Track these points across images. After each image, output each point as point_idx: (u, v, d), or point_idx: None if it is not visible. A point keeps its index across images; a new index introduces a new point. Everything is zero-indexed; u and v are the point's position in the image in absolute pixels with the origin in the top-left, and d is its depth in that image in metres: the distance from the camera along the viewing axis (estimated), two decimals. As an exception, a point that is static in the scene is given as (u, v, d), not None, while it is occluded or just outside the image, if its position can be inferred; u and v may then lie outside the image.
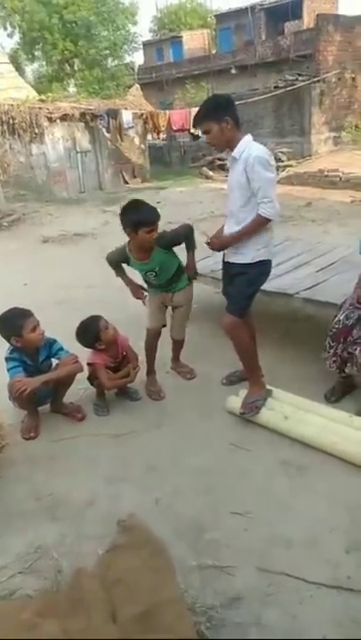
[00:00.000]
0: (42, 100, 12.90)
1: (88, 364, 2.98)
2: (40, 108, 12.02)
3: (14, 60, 21.91)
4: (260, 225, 2.64)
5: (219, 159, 15.10)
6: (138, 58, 30.53)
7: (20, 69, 22.45)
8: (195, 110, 12.00)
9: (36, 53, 26.84)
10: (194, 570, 1.89)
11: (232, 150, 2.65)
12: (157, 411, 2.99)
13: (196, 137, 13.43)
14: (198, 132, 12.90)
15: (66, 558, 1.98)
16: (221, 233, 2.85)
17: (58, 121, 12.17)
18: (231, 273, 2.85)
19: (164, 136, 15.59)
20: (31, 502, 2.30)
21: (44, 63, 27.84)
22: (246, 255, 2.73)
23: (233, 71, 23.22)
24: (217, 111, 2.58)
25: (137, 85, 17.88)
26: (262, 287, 3.38)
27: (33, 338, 2.75)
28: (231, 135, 2.61)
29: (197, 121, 2.71)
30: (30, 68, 29.27)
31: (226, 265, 2.94)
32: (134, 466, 2.52)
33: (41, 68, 28.88)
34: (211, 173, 14.51)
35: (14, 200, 10.85)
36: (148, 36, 33.37)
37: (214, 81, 22.60)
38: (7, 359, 2.76)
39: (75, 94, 19.13)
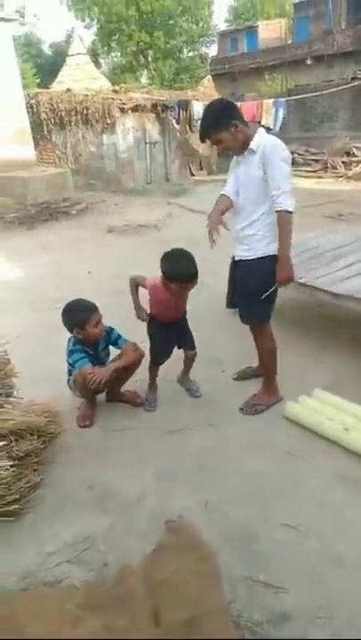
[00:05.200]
0: (115, 91, 13.05)
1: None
2: (113, 99, 12.17)
3: (92, 52, 22.37)
4: (290, 221, 2.51)
5: (289, 152, 14.66)
6: (212, 49, 30.27)
7: (96, 61, 22.92)
8: (266, 102, 11.72)
9: (112, 45, 27.24)
10: (241, 581, 1.82)
11: (245, 146, 2.56)
12: (213, 410, 2.92)
13: (267, 129, 13.10)
14: (269, 124, 12.62)
15: (113, 552, 1.97)
16: (219, 215, 2.62)
17: (129, 111, 12.28)
18: (240, 273, 2.76)
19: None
20: (83, 491, 2.31)
21: (118, 54, 28.23)
22: (256, 250, 2.65)
23: (308, 62, 22.43)
24: (223, 119, 2.49)
25: (209, 76, 17.69)
26: (330, 289, 3.25)
27: (94, 333, 2.79)
28: (244, 136, 2.54)
29: (206, 133, 2.55)
30: (105, 60, 29.81)
31: (235, 265, 2.84)
32: (186, 464, 2.47)
33: (115, 59, 29.31)
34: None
35: (83, 189, 11.10)
36: (223, 27, 32.96)
37: (289, 72, 21.96)
38: (72, 351, 2.80)
39: (147, 85, 19.23)
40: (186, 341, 3.01)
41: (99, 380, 2.69)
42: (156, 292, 2.77)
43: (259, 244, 2.63)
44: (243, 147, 2.57)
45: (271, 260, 2.62)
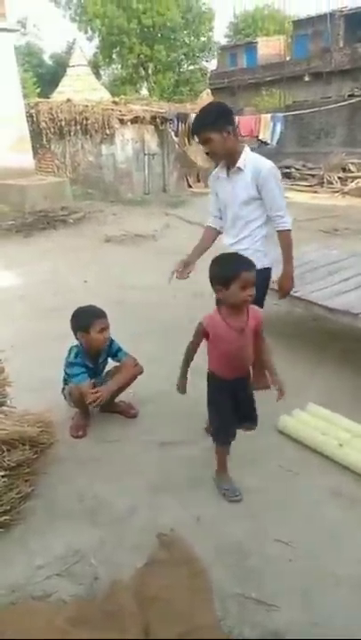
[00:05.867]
0: (115, 102, 13.16)
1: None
2: (112, 110, 12.27)
3: (93, 63, 22.60)
4: (290, 239, 2.68)
5: (284, 166, 14.80)
6: (211, 63, 30.70)
7: (97, 72, 23.14)
8: (264, 116, 11.79)
9: (113, 56, 27.55)
10: (233, 597, 1.80)
11: (231, 161, 2.64)
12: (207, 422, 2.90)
13: (264, 143, 13.22)
14: (267, 139, 12.74)
15: (103, 566, 1.95)
16: (189, 263, 2.80)
17: (129, 123, 12.37)
18: None
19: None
20: (74, 503, 2.29)
21: (119, 66, 28.55)
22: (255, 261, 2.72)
23: (306, 78, 22.74)
24: (219, 120, 2.54)
25: (208, 90, 17.90)
26: (325, 303, 3.26)
27: (97, 339, 2.78)
28: (232, 145, 2.59)
29: (198, 129, 2.62)
30: (106, 71, 30.12)
31: None
32: (178, 477, 2.45)
33: (116, 71, 29.63)
34: (276, 181, 14.22)
35: (81, 198, 11.12)
36: (223, 42, 33.39)
37: (287, 88, 22.24)
38: (72, 364, 2.80)
39: (147, 97, 19.42)
40: (250, 413, 2.33)
41: (99, 401, 2.70)
42: (214, 326, 2.16)
43: (252, 258, 2.65)
44: (227, 157, 2.63)
45: (264, 273, 2.69)
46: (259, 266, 2.67)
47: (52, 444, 2.56)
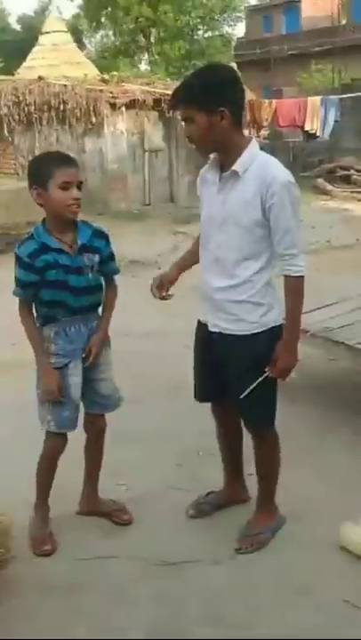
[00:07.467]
0: (104, 81, 13.66)
1: None
2: (101, 91, 12.71)
3: (73, 29, 23.72)
4: (301, 290, 2.54)
5: (341, 167, 15.15)
6: (238, 28, 32.09)
7: (79, 41, 24.19)
8: (313, 100, 12.16)
9: (102, 20, 28.86)
10: None
11: (226, 158, 2.51)
12: (236, 532, 2.86)
13: (311, 136, 13.61)
14: (315, 131, 13.11)
15: None
16: (167, 279, 2.98)
17: (123, 108, 12.79)
18: (225, 352, 2.69)
19: (267, 133, 15.95)
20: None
21: (110, 33, 29.84)
22: (250, 322, 2.58)
23: (370, 49, 23.68)
24: (211, 93, 2.36)
25: (233, 64, 18.63)
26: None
27: (59, 198, 2.55)
28: (225, 136, 2.44)
29: (177, 101, 2.53)
30: (92, 40, 31.49)
31: (209, 338, 2.75)
32: (195, 616, 2.40)
33: (106, 39, 30.95)
34: (329, 187, 14.53)
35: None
36: (253, 0, 35.04)
37: (342, 62, 23.09)
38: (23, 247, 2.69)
39: (148, 74, 20.16)
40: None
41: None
42: None
43: (253, 315, 2.58)
44: (219, 152, 2.54)
45: (270, 335, 2.60)
46: (258, 327, 2.59)
47: (7, 562, 2.52)
